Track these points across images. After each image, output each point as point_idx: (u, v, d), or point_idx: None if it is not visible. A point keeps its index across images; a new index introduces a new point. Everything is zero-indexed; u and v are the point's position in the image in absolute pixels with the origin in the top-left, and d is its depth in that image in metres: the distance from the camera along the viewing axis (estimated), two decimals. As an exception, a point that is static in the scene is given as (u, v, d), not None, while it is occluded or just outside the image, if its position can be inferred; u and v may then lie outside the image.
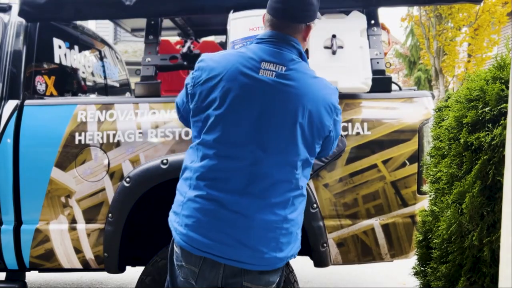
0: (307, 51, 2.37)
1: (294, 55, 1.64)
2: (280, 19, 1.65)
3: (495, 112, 1.42)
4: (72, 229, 2.39)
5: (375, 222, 2.30)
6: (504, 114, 1.37)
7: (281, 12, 1.64)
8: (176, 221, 1.62)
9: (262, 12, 2.23)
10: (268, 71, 1.57)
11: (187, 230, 1.57)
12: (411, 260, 2.05)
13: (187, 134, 2.33)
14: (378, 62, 2.42)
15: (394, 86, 2.51)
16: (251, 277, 1.58)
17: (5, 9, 2.62)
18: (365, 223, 2.31)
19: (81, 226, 2.38)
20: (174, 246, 1.66)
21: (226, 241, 1.54)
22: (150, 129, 2.35)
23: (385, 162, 2.28)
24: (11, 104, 2.45)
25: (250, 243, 1.54)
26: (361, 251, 2.33)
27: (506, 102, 1.39)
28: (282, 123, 1.56)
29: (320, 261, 2.32)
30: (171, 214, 1.68)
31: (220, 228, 1.54)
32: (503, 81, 1.46)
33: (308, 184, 2.26)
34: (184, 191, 1.62)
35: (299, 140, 1.57)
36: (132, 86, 3.77)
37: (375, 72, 2.35)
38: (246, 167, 1.55)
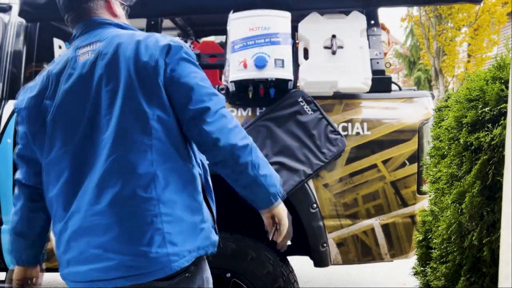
0: (306, 51, 2.38)
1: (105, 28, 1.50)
2: (71, 10, 1.55)
3: (495, 112, 1.42)
4: (72, 229, 2.39)
5: (375, 222, 2.31)
6: (504, 114, 1.37)
7: (68, 4, 1.55)
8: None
9: (263, 12, 2.25)
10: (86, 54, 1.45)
11: None
12: (411, 260, 2.05)
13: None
14: (378, 62, 2.42)
15: (394, 86, 2.51)
16: None
17: (5, 9, 2.63)
18: (365, 223, 2.31)
19: (81, 226, 2.38)
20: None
21: None
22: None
23: (385, 162, 2.28)
24: (11, 104, 2.45)
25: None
26: (361, 251, 2.33)
27: (506, 102, 1.39)
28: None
29: (320, 261, 2.33)
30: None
31: None
32: (503, 81, 1.46)
33: (308, 184, 2.27)
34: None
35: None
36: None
37: (375, 72, 2.35)
38: None
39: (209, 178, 1.60)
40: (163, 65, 1.39)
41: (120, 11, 1.64)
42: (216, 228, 1.57)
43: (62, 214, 1.42)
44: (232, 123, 1.43)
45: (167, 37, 1.46)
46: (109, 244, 1.33)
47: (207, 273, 1.54)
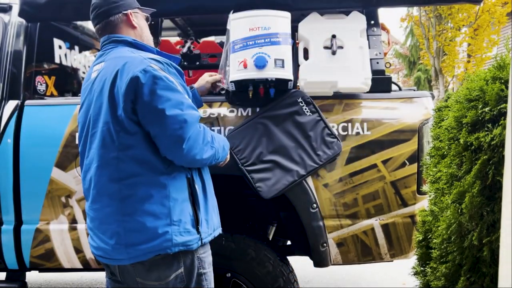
0: (306, 51, 2.38)
1: (116, 47, 1.79)
2: (98, 24, 1.85)
3: (494, 112, 1.42)
4: (73, 229, 2.39)
5: (375, 222, 2.31)
6: (504, 114, 1.37)
7: (94, 17, 1.86)
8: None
9: (263, 12, 2.25)
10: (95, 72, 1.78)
11: None
12: (411, 260, 2.05)
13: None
14: (378, 62, 2.42)
15: (394, 86, 2.51)
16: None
17: (6, 9, 2.62)
18: (365, 223, 2.31)
19: (82, 226, 2.38)
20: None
21: None
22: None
23: (385, 162, 2.28)
24: (11, 104, 2.45)
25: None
26: (361, 251, 2.33)
27: (506, 102, 1.39)
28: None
29: (320, 261, 2.33)
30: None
31: None
32: (502, 81, 1.46)
33: (308, 184, 2.27)
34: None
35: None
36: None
37: (375, 72, 2.35)
38: None
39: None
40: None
41: (140, 22, 1.88)
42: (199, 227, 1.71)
43: None
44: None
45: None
46: None
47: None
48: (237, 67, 2.19)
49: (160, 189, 1.63)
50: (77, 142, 2.35)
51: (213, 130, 2.31)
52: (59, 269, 2.50)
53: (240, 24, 2.26)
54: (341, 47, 2.32)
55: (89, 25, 3.33)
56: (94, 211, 1.72)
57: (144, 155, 1.62)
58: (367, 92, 2.33)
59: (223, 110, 2.36)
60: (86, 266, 2.43)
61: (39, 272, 2.66)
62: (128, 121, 1.59)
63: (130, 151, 1.62)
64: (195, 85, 2.32)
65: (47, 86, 2.73)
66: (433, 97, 2.46)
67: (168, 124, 1.59)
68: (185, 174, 1.70)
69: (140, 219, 1.61)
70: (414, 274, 1.81)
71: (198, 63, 2.86)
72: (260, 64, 2.14)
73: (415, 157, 2.27)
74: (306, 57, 2.37)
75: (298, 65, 2.35)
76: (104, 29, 1.82)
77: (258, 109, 2.32)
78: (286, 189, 2.23)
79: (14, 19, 2.59)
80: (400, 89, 2.66)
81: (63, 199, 2.38)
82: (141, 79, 1.58)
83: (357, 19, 2.41)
